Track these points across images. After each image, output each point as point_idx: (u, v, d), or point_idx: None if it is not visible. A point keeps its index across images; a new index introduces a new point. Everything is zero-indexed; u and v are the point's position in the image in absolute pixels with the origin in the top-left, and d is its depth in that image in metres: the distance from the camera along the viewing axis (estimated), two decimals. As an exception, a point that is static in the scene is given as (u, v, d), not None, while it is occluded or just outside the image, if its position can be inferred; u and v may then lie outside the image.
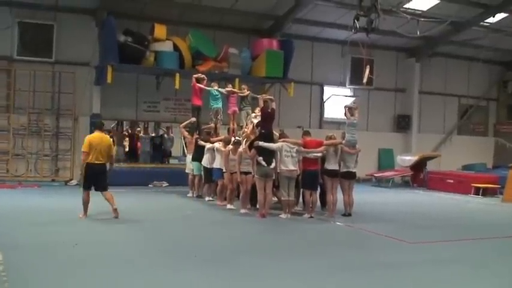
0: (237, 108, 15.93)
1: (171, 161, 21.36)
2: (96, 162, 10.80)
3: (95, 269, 7.14)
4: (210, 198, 14.50)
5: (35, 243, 8.53)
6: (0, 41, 17.00)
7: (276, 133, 13.18)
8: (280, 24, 20.30)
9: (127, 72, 18.12)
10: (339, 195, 12.52)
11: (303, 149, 12.14)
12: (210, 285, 6.71)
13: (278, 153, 12.02)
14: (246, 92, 15.94)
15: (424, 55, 23.99)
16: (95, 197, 11.01)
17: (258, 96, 14.12)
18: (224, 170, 13.26)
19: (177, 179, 16.90)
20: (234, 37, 19.92)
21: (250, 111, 15.55)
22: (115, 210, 10.93)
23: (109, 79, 16.55)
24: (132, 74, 18.73)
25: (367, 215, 12.96)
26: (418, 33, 18.89)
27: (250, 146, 12.42)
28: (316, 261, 8.05)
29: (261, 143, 11.98)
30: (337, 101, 21.85)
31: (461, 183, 19.32)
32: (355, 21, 15.53)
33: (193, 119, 15.58)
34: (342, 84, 22.89)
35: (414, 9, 20.11)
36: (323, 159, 12.43)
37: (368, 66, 17.63)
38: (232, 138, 13.79)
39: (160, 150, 20.93)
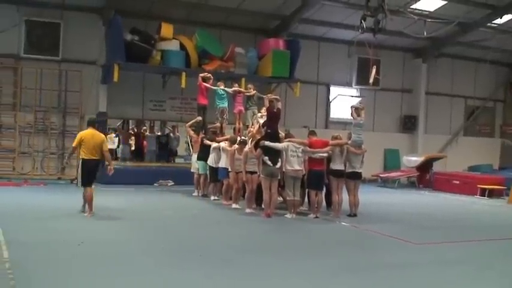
0: (242, 108, 15.93)
1: (177, 160, 21.39)
2: (92, 158, 10.99)
3: (99, 268, 7.15)
4: (216, 198, 14.50)
5: (41, 241, 8.54)
6: (8, 39, 17.04)
7: (282, 133, 13.18)
8: (287, 24, 20.30)
9: (133, 71, 18.16)
10: (345, 196, 12.51)
11: (308, 149, 12.13)
12: (215, 284, 6.71)
13: (284, 153, 12.00)
14: (252, 92, 15.92)
15: (430, 56, 23.93)
16: (100, 195, 11.02)
17: (264, 96, 14.11)
18: (230, 170, 13.25)
19: (183, 178, 16.88)
20: (241, 37, 19.94)
21: (256, 110, 15.54)
22: (89, 211, 11.05)
23: (115, 78, 16.60)
24: (139, 73, 18.77)
25: (373, 216, 12.94)
26: (425, 33, 18.88)
27: (256, 146, 12.42)
28: (321, 261, 8.05)
29: (267, 143, 11.98)
30: (343, 101, 21.85)
31: (467, 185, 19.25)
32: (362, 21, 15.52)
33: (199, 118, 15.57)
34: (348, 84, 22.88)
35: (421, 10, 20.08)
36: (329, 160, 12.40)
37: (374, 67, 17.56)
38: (238, 138, 13.78)
39: (166, 149, 20.94)
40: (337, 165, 12.36)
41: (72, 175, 17.76)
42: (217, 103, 15.68)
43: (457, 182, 19.87)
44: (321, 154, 12.19)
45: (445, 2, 20.01)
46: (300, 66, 19.61)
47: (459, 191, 19.21)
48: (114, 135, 21.70)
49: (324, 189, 12.67)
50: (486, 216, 14.69)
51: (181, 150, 22.14)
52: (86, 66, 18.01)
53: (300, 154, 11.95)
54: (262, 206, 12.39)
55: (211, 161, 14.26)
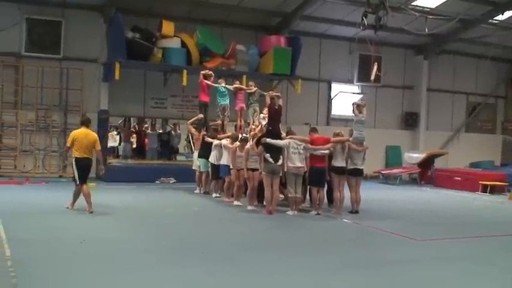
0: (244, 105, 15.94)
1: (178, 157, 21.40)
2: (84, 156, 11.19)
3: (101, 265, 7.16)
4: (217, 195, 14.50)
5: (43, 239, 8.56)
6: (9, 37, 17.03)
7: (283, 133, 13.17)
8: (288, 21, 20.28)
9: (135, 69, 18.13)
10: (346, 192, 12.51)
11: (310, 146, 12.11)
12: (216, 281, 6.72)
13: (285, 150, 12.00)
14: (254, 89, 15.91)
15: (432, 52, 23.89)
16: (102, 192, 11.03)
17: (265, 93, 14.10)
18: (231, 167, 13.24)
19: (185, 175, 16.88)
20: (242, 34, 19.91)
21: (257, 108, 15.53)
22: (72, 204, 11.37)
23: (117, 75, 16.60)
24: (140, 71, 18.75)
25: (374, 212, 12.94)
26: (427, 30, 18.84)
27: (258, 143, 12.42)
28: (323, 258, 8.05)
29: (268, 140, 11.98)
30: (344, 98, 21.82)
31: (469, 181, 19.26)
32: (364, 18, 15.53)
33: (201, 116, 15.56)
34: (349, 81, 22.84)
35: (422, 7, 20.04)
36: (330, 156, 12.40)
37: (376, 64, 17.55)
38: (240, 135, 13.79)
39: (167, 147, 20.96)
40: (338, 162, 12.36)
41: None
42: (219, 100, 15.67)
43: (459, 179, 19.86)
44: (323, 151, 12.18)
45: (446, -1, 19.99)
46: (302, 63, 19.60)
47: (461, 187, 19.21)
48: (115, 133, 21.75)
49: (326, 186, 12.68)
50: (488, 212, 14.70)
51: (182, 147, 22.18)
52: (87, 64, 18.00)
53: (301, 151, 11.96)
54: (264, 203, 12.39)
55: (212, 158, 14.26)
